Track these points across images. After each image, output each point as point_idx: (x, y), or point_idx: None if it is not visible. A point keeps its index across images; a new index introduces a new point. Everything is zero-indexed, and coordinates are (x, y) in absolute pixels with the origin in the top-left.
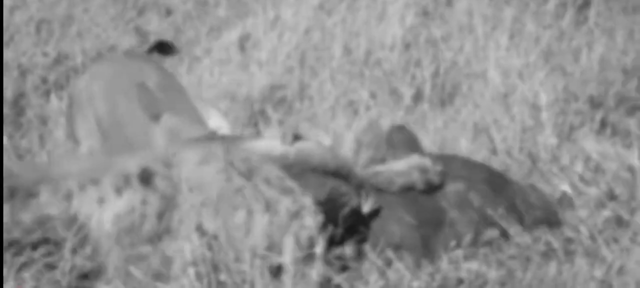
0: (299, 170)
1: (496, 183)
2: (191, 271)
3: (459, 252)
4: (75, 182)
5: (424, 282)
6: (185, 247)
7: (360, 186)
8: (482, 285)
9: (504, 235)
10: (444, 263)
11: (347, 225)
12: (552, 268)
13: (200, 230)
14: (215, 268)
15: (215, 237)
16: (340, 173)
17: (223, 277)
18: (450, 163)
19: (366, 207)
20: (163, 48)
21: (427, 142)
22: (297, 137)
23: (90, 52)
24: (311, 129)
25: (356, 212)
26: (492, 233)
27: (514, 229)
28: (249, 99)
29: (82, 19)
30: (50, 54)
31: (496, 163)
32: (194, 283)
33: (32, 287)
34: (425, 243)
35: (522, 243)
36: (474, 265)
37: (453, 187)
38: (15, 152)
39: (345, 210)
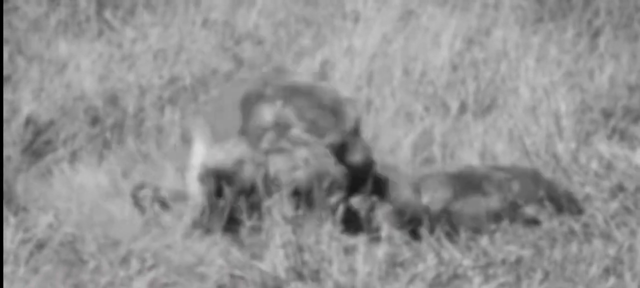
0: None
1: (532, 178)
2: (281, 252)
3: (499, 235)
4: None
5: (472, 261)
6: (275, 232)
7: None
8: (518, 262)
9: (535, 220)
10: (487, 245)
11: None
12: (573, 247)
13: (285, 218)
14: (300, 249)
15: (299, 224)
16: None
17: (306, 256)
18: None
19: None
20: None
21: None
22: None
23: (197, 74)
24: None
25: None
26: (525, 215)
27: (543, 215)
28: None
29: (190, 48)
30: (165, 76)
31: (526, 163)
32: (283, 262)
33: None
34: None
35: (549, 227)
36: (512, 247)
37: (498, 175)
38: (138, 155)
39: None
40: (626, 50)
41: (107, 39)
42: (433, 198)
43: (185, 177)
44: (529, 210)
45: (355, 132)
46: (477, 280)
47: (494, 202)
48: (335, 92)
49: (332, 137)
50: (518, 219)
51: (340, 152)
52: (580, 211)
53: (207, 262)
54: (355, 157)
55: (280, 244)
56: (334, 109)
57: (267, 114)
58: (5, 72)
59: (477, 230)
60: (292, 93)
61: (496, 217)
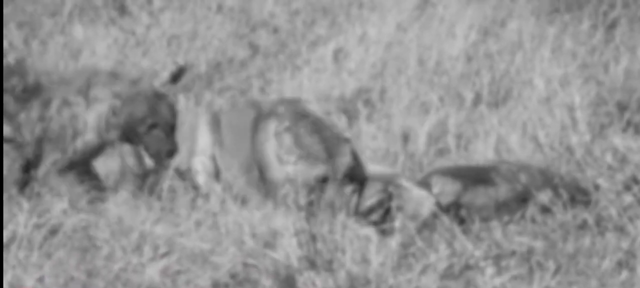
0: None
1: (542, 170)
2: (293, 241)
3: (512, 227)
4: None
5: (484, 252)
6: (288, 221)
7: None
8: (530, 254)
9: (547, 210)
10: (499, 236)
11: None
12: (587, 240)
13: (298, 206)
14: (313, 238)
15: (312, 213)
16: None
17: (319, 245)
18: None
19: None
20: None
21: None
22: None
23: (212, 62)
24: None
25: None
26: (538, 203)
27: (556, 207)
28: (341, 99)
29: (205, 34)
30: (179, 62)
31: (540, 155)
32: (296, 250)
33: None
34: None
35: (562, 219)
36: (524, 239)
37: (505, 166)
38: None
39: None
40: None
41: (122, 24)
42: (443, 190)
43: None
44: (542, 198)
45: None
46: (490, 271)
47: (502, 192)
48: (341, 133)
49: (322, 170)
50: (529, 209)
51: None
52: (590, 203)
53: (220, 250)
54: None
55: (293, 233)
56: (331, 148)
57: (270, 129)
58: (20, 55)
59: (487, 220)
60: (300, 118)
61: (505, 207)
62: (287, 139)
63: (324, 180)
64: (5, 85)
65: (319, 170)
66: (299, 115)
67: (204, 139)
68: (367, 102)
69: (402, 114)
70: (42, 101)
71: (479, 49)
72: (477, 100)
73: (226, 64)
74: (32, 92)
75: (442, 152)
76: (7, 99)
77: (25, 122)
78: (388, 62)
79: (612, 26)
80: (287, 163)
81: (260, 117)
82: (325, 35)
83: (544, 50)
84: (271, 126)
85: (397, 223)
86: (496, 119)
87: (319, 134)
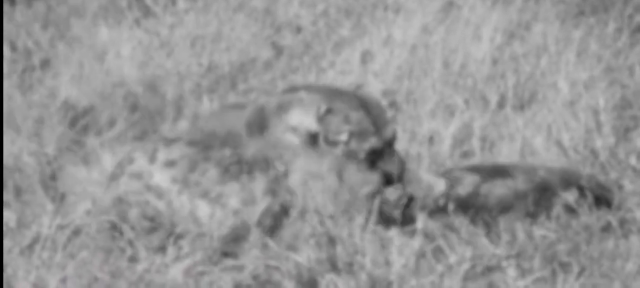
0: None
1: (566, 171)
2: (312, 241)
3: (533, 226)
4: None
5: (505, 250)
6: (305, 225)
7: None
8: (553, 255)
9: (572, 211)
10: (520, 234)
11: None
12: (610, 243)
13: (316, 211)
14: (332, 240)
15: (331, 216)
16: None
17: (339, 249)
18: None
19: None
20: None
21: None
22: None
23: (236, 63)
24: None
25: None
26: (558, 208)
27: (581, 209)
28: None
29: (229, 35)
30: (204, 63)
31: (564, 158)
32: (316, 253)
33: None
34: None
35: (587, 221)
36: (547, 238)
37: (525, 163)
38: None
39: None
40: None
41: (146, 25)
42: (461, 182)
43: None
44: (568, 197)
45: (391, 141)
46: (512, 273)
47: (521, 183)
48: (375, 98)
49: (373, 142)
50: (552, 208)
51: (376, 158)
52: (617, 206)
53: (243, 252)
54: (390, 167)
55: (312, 235)
56: (376, 115)
57: (305, 120)
58: (46, 56)
59: (506, 210)
60: (334, 96)
61: (524, 198)
62: (335, 120)
63: (374, 153)
64: None
65: (370, 143)
66: (332, 94)
67: None
68: (392, 104)
69: (427, 116)
70: None
71: (504, 52)
72: (502, 102)
73: (250, 65)
74: None
75: (467, 155)
76: None
77: None
78: (413, 65)
79: (637, 29)
80: (337, 144)
81: (275, 110)
82: (350, 37)
83: (569, 54)
84: (296, 115)
85: (418, 224)
86: (521, 121)
87: (363, 109)
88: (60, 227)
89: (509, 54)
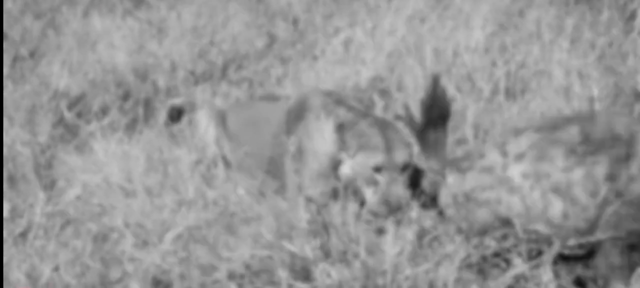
0: None
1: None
2: (307, 231)
3: None
4: None
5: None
6: (300, 214)
7: None
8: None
9: None
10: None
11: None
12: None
13: (308, 199)
14: (326, 228)
15: (324, 205)
16: None
17: (334, 238)
18: None
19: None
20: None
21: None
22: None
23: (228, 52)
24: None
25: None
26: None
27: None
28: (356, 88)
29: (223, 24)
30: (196, 52)
31: None
32: (311, 241)
33: None
34: None
35: None
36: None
37: None
38: (168, 132)
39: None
40: None
41: (138, 15)
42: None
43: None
44: None
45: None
46: (508, 262)
47: None
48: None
49: (379, 159)
50: None
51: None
52: None
53: (236, 241)
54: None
55: (307, 224)
56: (390, 141)
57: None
58: (37, 45)
59: None
60: (361, 114)
61: None
62: (348, 135)
63: (378, 170)
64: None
65: (375, 159)
66: (358, 111)
67: (203, 125)
68: (384, 93)
69: (419, 104)
70: None
71: (497, 40)
72: (495, 91)
73: (243, 54)
74: None
75: (459, 143)
76: None
77: None
78: (404, 53)
79: (631, 17)
80: (345, 159)
81: (299, 110)
82: (343, 25)
83: (562, 41)
84: (317, 120)
85: (413, 214)
86: (514, 109)
87: (378, 128)
88: (52, 215)
89: (502, 42)
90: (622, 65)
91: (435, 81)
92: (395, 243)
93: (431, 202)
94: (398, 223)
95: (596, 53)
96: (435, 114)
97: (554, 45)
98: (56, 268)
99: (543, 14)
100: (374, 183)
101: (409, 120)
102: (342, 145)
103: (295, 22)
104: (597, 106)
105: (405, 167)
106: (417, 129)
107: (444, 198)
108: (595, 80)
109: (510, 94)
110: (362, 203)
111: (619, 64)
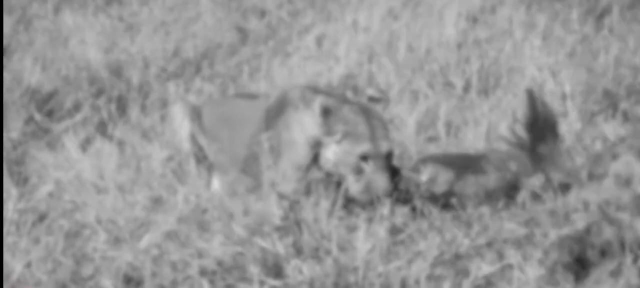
0: None
1: (533, 159)
2: (280, 228)
3: (504, 214)
4: None
5: (473, 240)
6: (272, 210)
7: None
8: (521, 242)
9: (536, 197)
10: (489, 224)
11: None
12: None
13: (280, 195)
14: (298, 225)
15: (297, 201)
16: None
17: (306, 234)
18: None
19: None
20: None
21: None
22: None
23: (201, 48)
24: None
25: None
26: (524, 194)
27: (547, 194)
28: (329, 85)
29: (195, 20)
30: (169, 49)
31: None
32: (283, 238)
33: None
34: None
35: (552, 206)
36: (513, 225)
37: (495, 154)
38: (141, 129)
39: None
40: (632, 31)
41: (110, 11)
42: (435, 179)
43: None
44: (534, 182)
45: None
46: (479, 259)
47: (492, 180)
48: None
49: (365, 148)
50: (521, 195)
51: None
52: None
53: (207, 237)
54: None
55: (279, 220)
56: (374, 130)
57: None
58: (8, 41)
59: (478, 207)
60: (343, 101)
61: (496, 194)
62: (332, 119)
63: (364, 158)
64: None
65: (362, 147)
66: (341, 98)
67: (178, 120)
68: (356, 89)
69: (391, 101)
70: None
71: (469, 37)
72: (467, 87)
73: (215, 50)
74: None
75: (431, 140)
76: None
77: None
78: (376, 49)
79: (602, 15)
80: (329, 144)
81: (279, 106)
82: (315, 22)
83: (534, 38)
84: (296, 111)
85: (384, 210)
86: (486, 106)
87: (364, 116)
88: (24, 212)
89: (474, 39)
90: (593, 62)
91: (530, 96)
92: (367, 240)
93: (405, 198)
94: (370, 220)
95: (567, 50)
96: (541, 127)
97: (526, 42)
98: (28, 265)
99: (515, 12)
100: (358, 171)
101: (518, 142)
102: (328, 130)
103: (263, 15)
104: (569, 103)
105: (388, 156)
106: (528, 148)
107: None
108: (567, 78)
109: (482, 91)
110: (338, 198)
111: (590, 61)
